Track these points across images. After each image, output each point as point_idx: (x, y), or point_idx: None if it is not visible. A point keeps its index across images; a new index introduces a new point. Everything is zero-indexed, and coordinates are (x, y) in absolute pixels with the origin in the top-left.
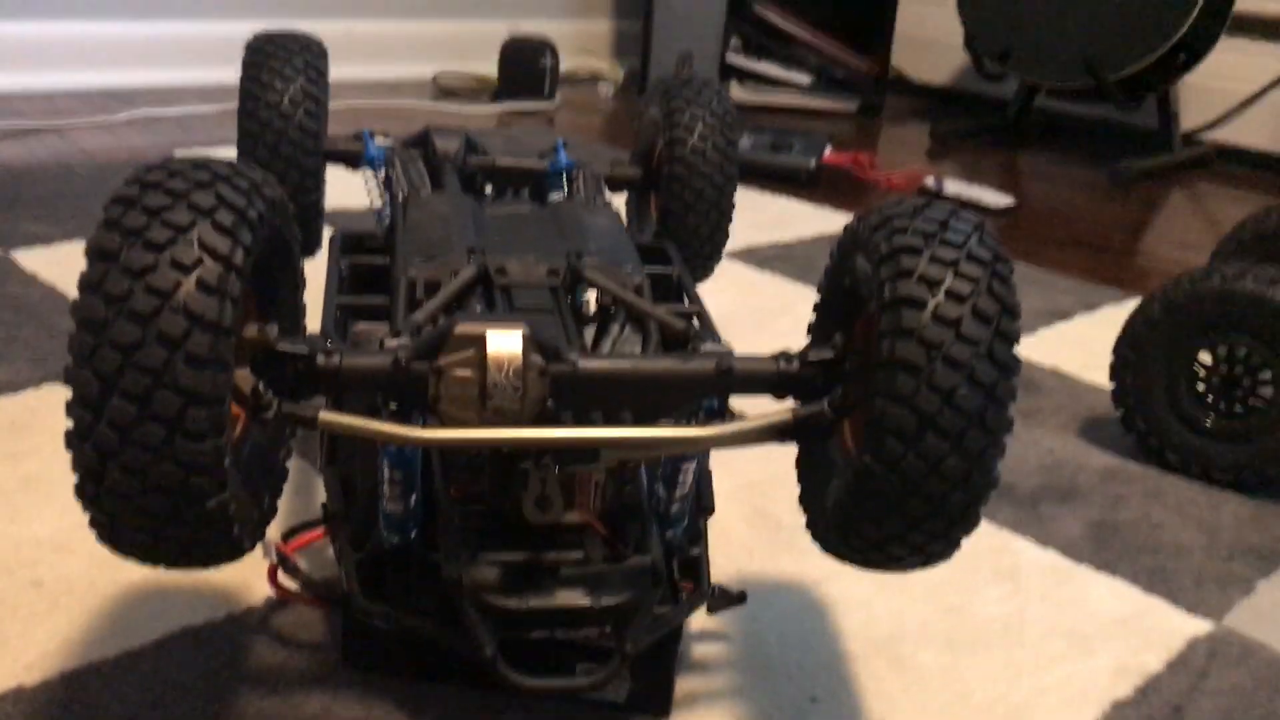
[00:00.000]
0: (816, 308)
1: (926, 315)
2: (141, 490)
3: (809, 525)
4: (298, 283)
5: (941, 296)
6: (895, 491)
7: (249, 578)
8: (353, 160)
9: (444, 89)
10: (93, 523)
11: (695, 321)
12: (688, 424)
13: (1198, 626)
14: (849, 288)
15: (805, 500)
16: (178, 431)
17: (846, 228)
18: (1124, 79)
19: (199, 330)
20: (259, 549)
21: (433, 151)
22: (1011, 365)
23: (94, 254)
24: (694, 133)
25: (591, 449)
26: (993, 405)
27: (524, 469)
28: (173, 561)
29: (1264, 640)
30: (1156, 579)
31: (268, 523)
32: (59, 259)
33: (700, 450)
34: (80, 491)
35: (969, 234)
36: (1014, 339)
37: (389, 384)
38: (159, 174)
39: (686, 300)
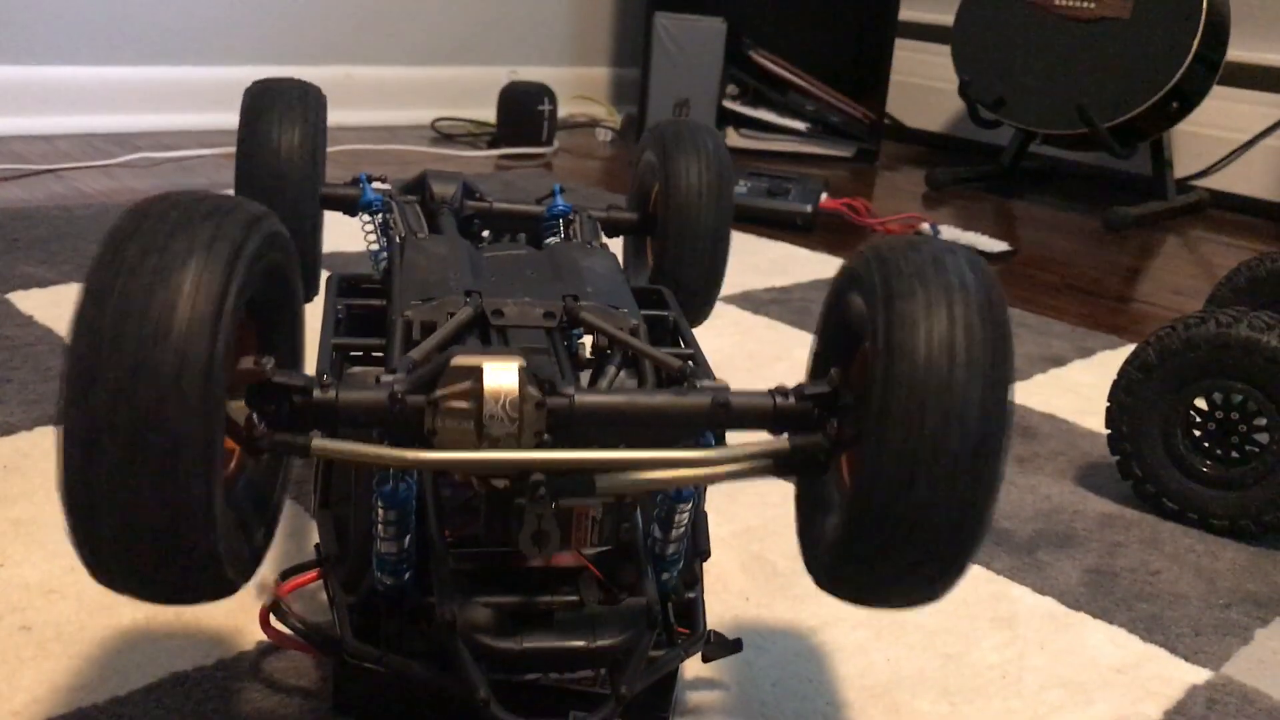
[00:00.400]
0: (814, 344)
1: (919, 364)
2: (129, 531)
3: (806, 561)
4: (298, 320)
5: (935, 346)
6: (885, 537)
7: (240, 622)
8: (350, 205)
9: (442, 134)
10: (83, 560)
11: (691, 363)
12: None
13: (1196, 675)
14: (845, 324)
15: (802, 536)
16: (165, 474)
17: (844, 264)
18: (1118, 126)
19: (188, 369)
20: (253, 590)
21: (430, 196)
22: (1005, 415)
23: (87, 287)
24: (690, 177)
25: (588, 480)
26: (986, 455)
27: (520, 505)
28: (163, 599)
29: (1263, 689)
30: (1155, 627)
31: (261, 559)
32: (56, 301)
33: (696, 479)
34: (70, 530)
35: (964, 276)
36: (1008, 386)
37: (385, 418)
38: (159, 205)
39: (682, 344)
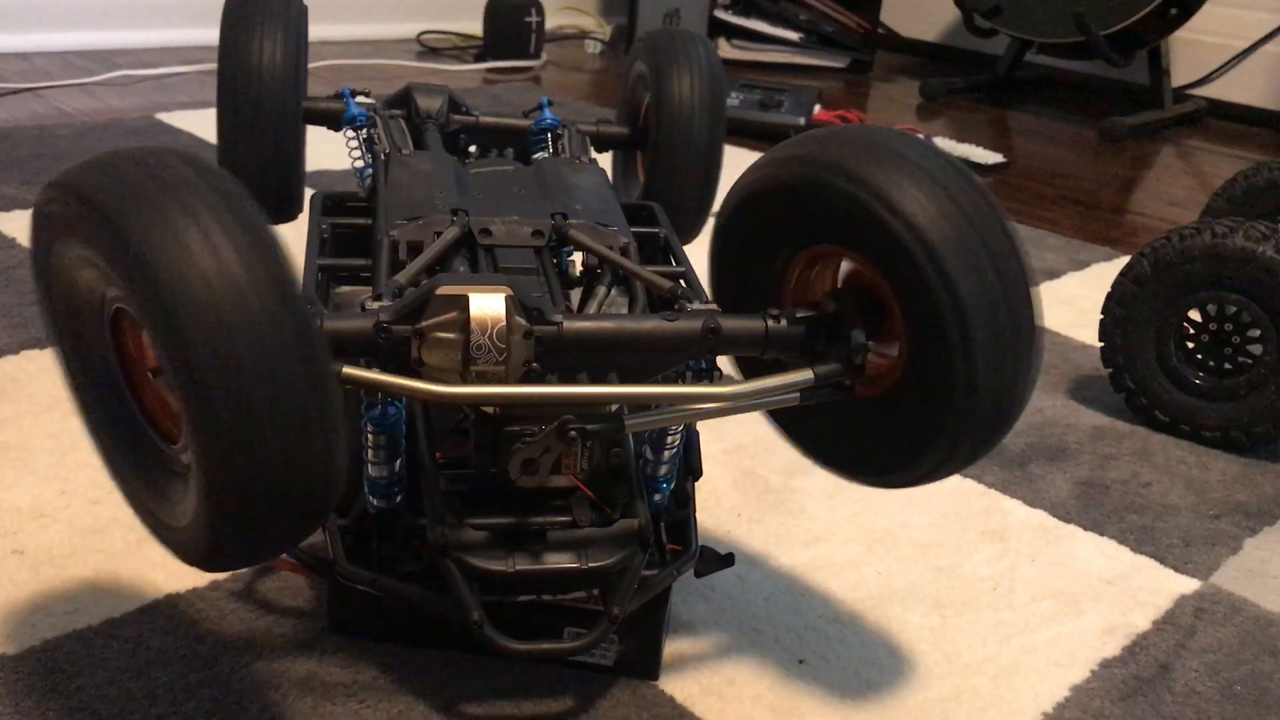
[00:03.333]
0: (713, 260)
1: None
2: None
3: (843, 470)
4: None
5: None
6: (970, 403)
7: None
8: (334, 120)
9: (428, 48)
10: (213, 541)
11: (682, 283)
12: (711, 382)
13: (1185, 585)
14: (772, 232)
15: (826, 451)
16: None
17: (803, 146)
18: (1114, 34)
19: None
20: None
21: (415, 110)
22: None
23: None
24: (682, 89)
25: (617, 419)
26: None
27: (510, 431)
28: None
29: (1251, 598)
30: (1145, 538)
31: None
32: None
33: (723, 413)
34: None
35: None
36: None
37: (371, 347)
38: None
39: (674, 261)
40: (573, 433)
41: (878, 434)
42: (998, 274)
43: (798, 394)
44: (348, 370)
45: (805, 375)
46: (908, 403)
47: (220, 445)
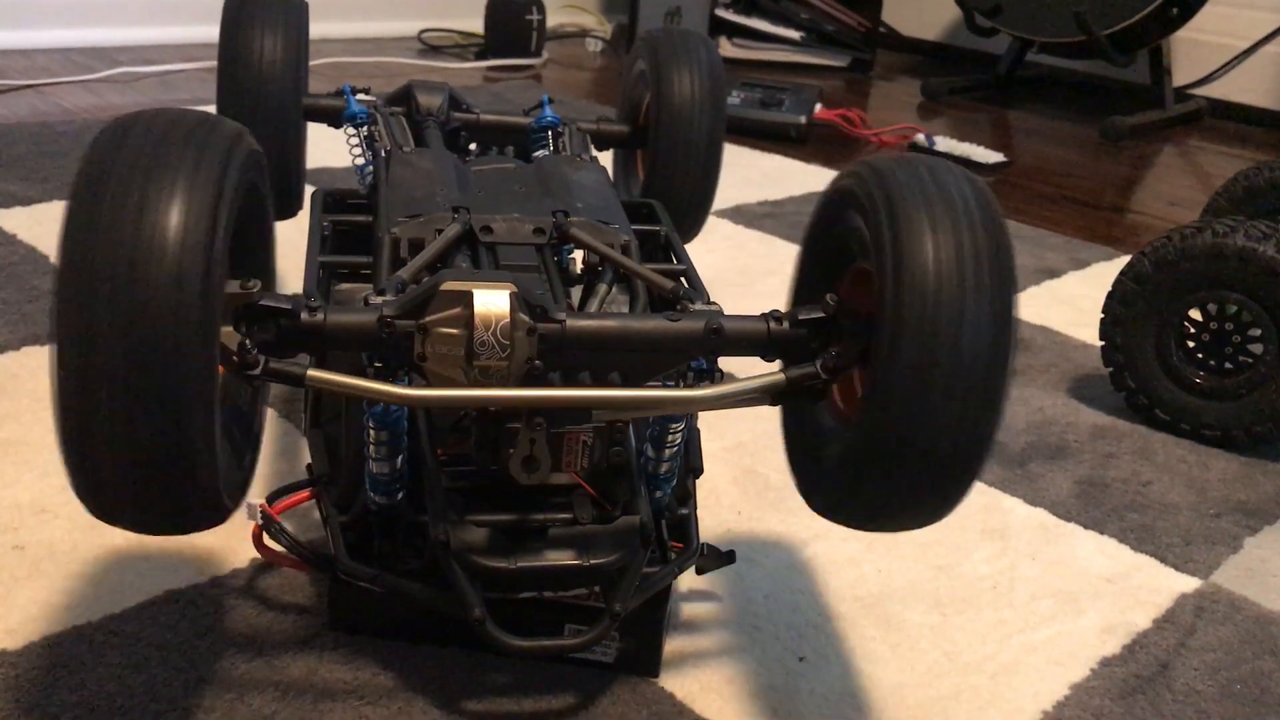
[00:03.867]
0: (798, 265)
1: (930, 282)
2: (129, 462)
3: (801, 489)
4: (271, 239)
5: (945, 263)
6: (898, 457)
7: (233, 541)
8: (334, 117)
9: (429, 46)
10: (79, 493)
11: (683, 281)
12: (679, 385)
13: (1186, 584)
14: (837, 244)
15: (795, 463)
16: (167, 401)
17: (835, 183)
18: (1116, 33)
19: (186, 292)
20: (243, 511)
21: (415, 107)
22: (1011, 333)
23: (71, 211)
24: (682, 87)
25: (584, 411)
26: (996, 372)
27: (511, 428)
28: (160, 529)
29: (1251, 597)
30: (1145, 537)
31: (249, 484)
32: (39, 219)
33: (692, 411)
34: (66, 463)
35: (964, 192)
36: (1013, 303)
37: (374, 341)
38: (138, 125)
39: (674, 259)
40: (539, 421)
41: (832, 458)
42: (970, 344)
43: (769, 397)
44: (311, 373)
45: (777, 378)
46: (852, 436)
47: (62, 392)
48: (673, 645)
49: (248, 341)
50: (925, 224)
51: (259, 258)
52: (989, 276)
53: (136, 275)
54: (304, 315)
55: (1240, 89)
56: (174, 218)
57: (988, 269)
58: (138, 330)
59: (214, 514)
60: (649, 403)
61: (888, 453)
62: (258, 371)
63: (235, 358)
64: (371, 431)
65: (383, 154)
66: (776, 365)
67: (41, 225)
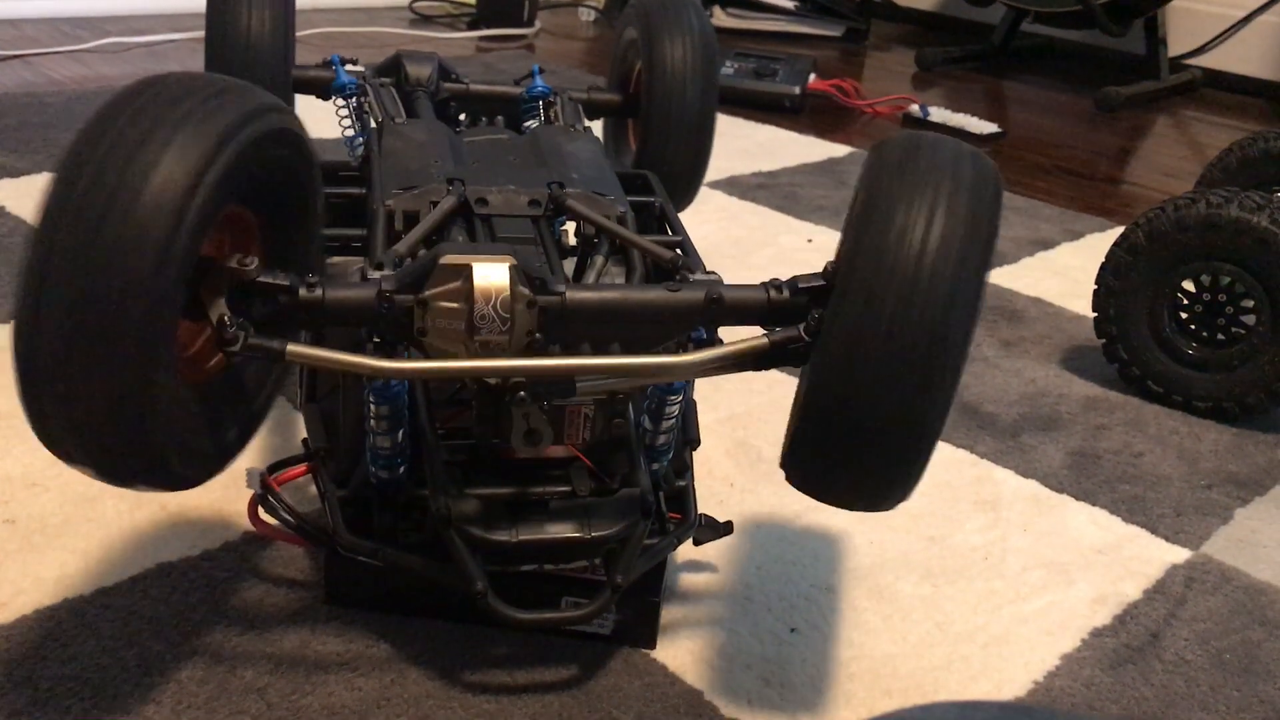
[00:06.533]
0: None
1: (886, 245)
2: (69, 406)
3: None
4: (310, 233)
5: (905, 231)
6: (830, 422)
7: (227, 514)
8: (323, 88)
9: (420, 15)
10: (33, 430)
11: (679, 252)
12: (664, 353)
13: (1176, 555)
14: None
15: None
16: (103, 351)
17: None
18: (1111, 3)
19: (144, 245)
20: (240, 481)
21: (405, 78)
22: (972, 304)
23: (66, 155)
24: (674, 57)
25: (568, 382)
26: (945, 344)
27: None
28: (109, 479)
29: (1241, 567)
30: (1136, 508)
31: (228, 458)
32: (28, 191)
33: (676, 378)
34: (20, 399)
35: (958, 166)
36: (981, 276)
37: (373, 317)
38: (156, 83)
39: (670, 231)
40: (522, 394)
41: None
42: (918, 319)
43: (754, 361)
44: (291, 348)
45: (760, 342)
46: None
47: (16, 320)
48: (665, 616)
49: (227, 316)
50: (899, 198)
51: (296, 247)
52: (956, 256)
53: (104, 219)
54: (302, 291)
55: (1235, 59)
56: (159, 167)
57: (957, 249)
58: (88, 276)
59: (162, 476)
60: (631, 370)
61: (819, 417)
62: (237, 347)
63: (215, 332)
64: (372, 406)
65: (374, 125)
66: None
67: (30, 197)
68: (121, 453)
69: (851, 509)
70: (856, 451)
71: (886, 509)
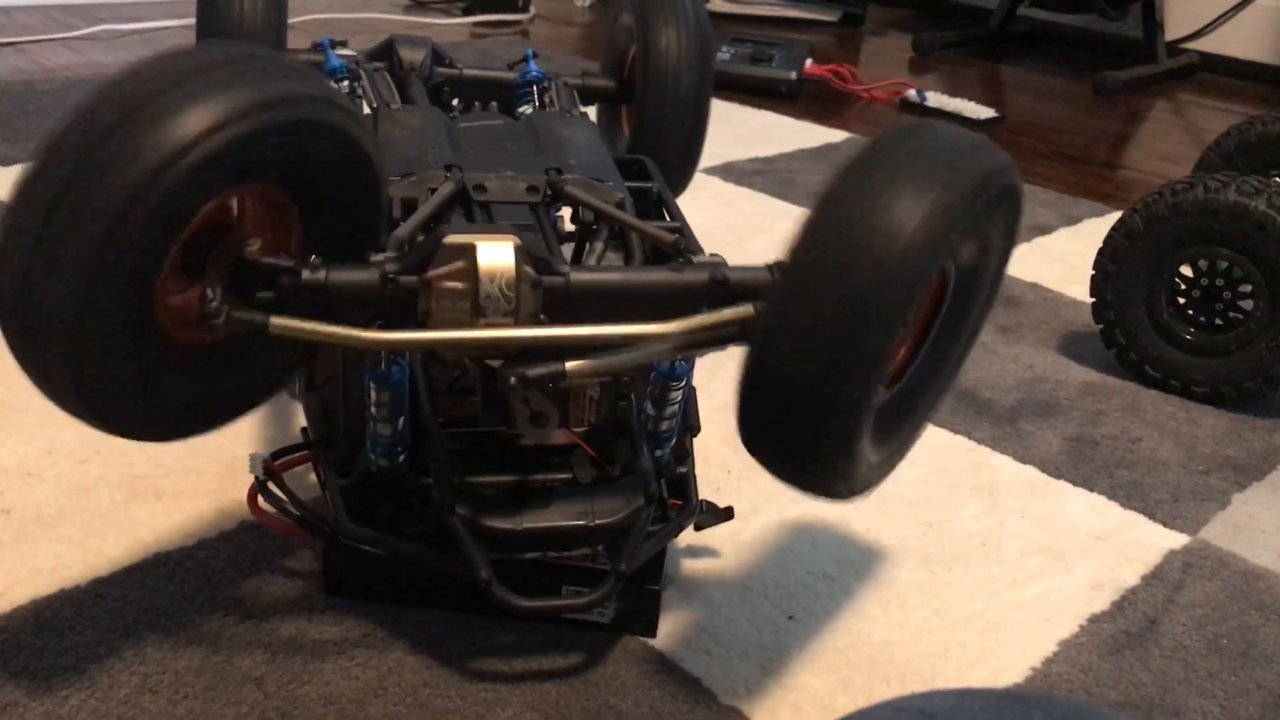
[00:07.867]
0: None
1: (832, 225)
2: (11, 294)
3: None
4: (365, 204)
5: (871, 213)
6: (757, 373)
7: (223, 504)
8: None
9: (415, 1)
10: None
11: (680, 236)
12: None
13: (1174, 540)
14: None
15: None
16: (69, 253)
17: None
18: None
19: (136, 191)
20: (236, 469)
21: (398, 63)
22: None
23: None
24: (669, 42)
25: (556, 368)
26: (869, 323)
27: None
28: (38, 386)
29: (1239, 553)
30: (1134, 494)
31: (197, 428)
32: None
33: (664, 347)
34: None
35: (955, 144)
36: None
37: (378, 299)
38: (186, 52)
39: (667, 216)
40: (512, 381)
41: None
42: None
43: (740, 326)
44: (276, 321)
45: (746, 309)
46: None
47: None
48: (662, 603)
49: (209, 291)
50: (874, 189)
51: (347, 226)
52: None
53: (109, 137)
54: (306, 273)
55: (1233, 43)
56: (168, 120)
57: (906, 235)
58: (86, 183)
59: (86, 408)
60: (616, 339)
61: (751, 375)
62: (220, 320)
63: (196, 306)
64: (373, 393)
65: (368, 111)
66: None
67: None
68: (49, 374)
69: (802, 489)
70: (775, 422)
71: (832, 495)
